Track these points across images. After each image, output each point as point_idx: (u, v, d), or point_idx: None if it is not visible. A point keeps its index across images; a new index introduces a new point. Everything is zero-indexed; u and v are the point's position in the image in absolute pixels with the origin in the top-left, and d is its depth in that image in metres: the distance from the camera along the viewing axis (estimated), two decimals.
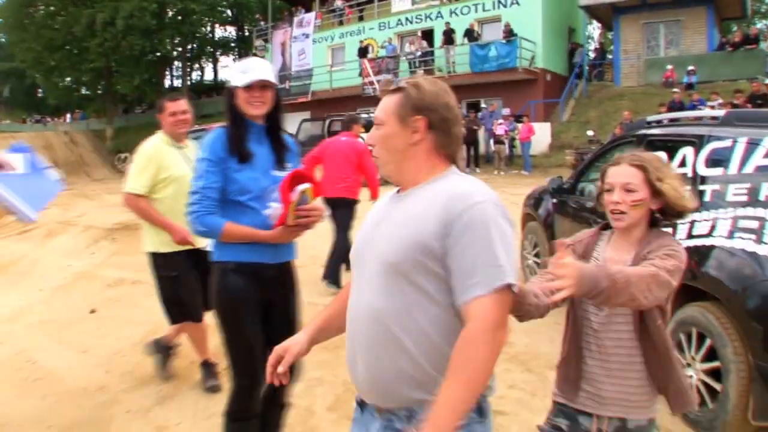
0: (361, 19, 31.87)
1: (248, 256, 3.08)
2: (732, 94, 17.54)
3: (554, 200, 6.90)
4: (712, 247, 3.96)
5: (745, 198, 3.94)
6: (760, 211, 3.81)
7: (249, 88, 3.06)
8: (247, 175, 3.05)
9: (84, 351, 5.89)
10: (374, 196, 7.28)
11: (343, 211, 7.40)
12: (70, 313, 7.15)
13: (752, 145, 4.06)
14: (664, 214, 2.27)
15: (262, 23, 38.08)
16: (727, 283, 3.79)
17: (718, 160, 4.27)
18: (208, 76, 61.92)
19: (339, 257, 7.32)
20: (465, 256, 1.69)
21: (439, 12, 28.07)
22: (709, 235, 4.03)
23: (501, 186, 17.14)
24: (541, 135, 22.36)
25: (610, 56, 28.47)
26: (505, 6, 26.15)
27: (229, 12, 48.58)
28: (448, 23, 26.79)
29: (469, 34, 26.10)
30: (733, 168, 4.12)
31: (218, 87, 54.17)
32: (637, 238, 2.27)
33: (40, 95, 68.52)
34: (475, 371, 1.65)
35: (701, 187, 4.26)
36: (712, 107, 16.51)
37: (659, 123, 5.42)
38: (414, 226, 1.78)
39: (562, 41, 27.86)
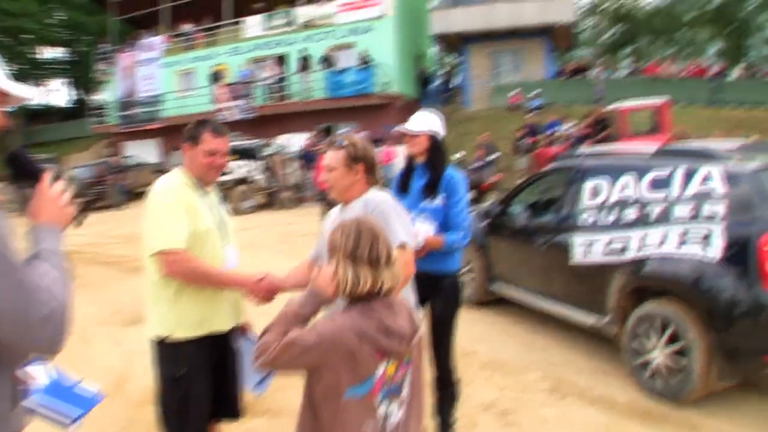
0: (211, 44, 31.71)
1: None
2: (581, 118, 19.53)
3: (486, 222, 7.59)
4: (666, 256, 4.91)
5: (690, 215, 4.82)
6: (703, 225, 4.72)
7: (405, 135, 4.12)
8: (405, 203, 3.83)
9: None
10: None
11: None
12: None
13: (689, 173, 4.98)
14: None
15: (102, 46, 36.66)
16: (689, 283, 4.81)
17: (659, 185, 5.15)
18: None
19: None
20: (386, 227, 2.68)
21: (294, 38, 28.57)
22: (661, 245, 4.92)
23: None
24: (401, 158, 23.30)
25: (457, 81, 30.26)
26: (358, 33, 27.13)
27: (60, 31, 46.17)
28: (305, 49, 27.29)
29: (325, 60, 26.79)
30: (674, 192, 5.00)
31: (50, 112, 50.94)
32: None
33: None
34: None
35: (646, 210, 5.13)
36: (567, 129, 18.30)
37: (594, 155, 6.30)
38: None
39: (413, 67, 29.31)
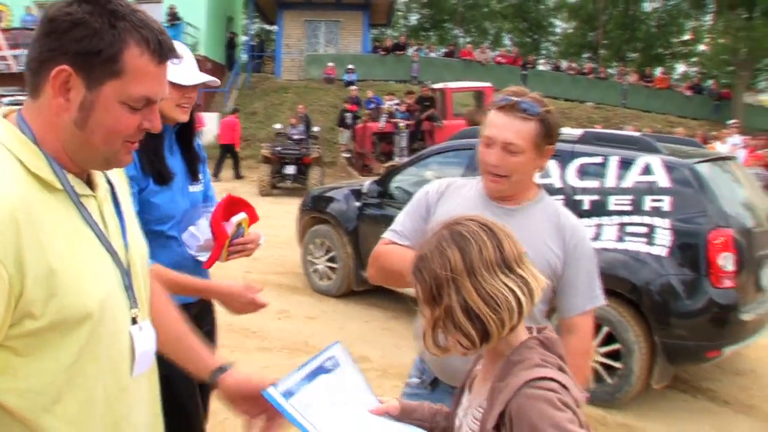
0: None
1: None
2: (403, 95, 19.51)
3: (361, 204, 6.95)
4: (603, 250, 4.52)
5: (629, 207, 4.57)
6: (646, 219, 4.48)
7: (183, 86, 2.33)
8: (166, 197, 2.40)
9: None
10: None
11: None
12: None
13: (625, 162, 4.70)
14: None
15: None
16: (633, 281, 4.52)
17: (590, 173, 4.85)
18: None
19: None
20: (579, 276, 2.07)
21: None
22: (595, 238, 4.61)
23: None
24: (210, 126, 21.97)
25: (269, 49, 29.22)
26: None
27: None
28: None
29: None
30: (608, 182, 4.73)
31: None
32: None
33: None
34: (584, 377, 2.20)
35: (574, 199, 4.80)
36: (390, 105, 18.15)
37: None
38: (539, 248, 2.02)
39: (222, 30, 27.76)
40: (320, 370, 1.58)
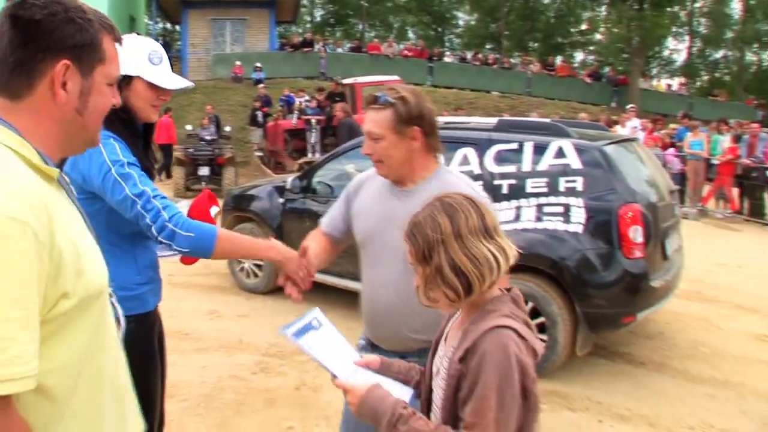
0: None
1: (153, 302, 2.48)
2: (313, 91, 19.59)
3: (285, 200, 6.99)
4: (524, 230, 4.82)
5: (545, 189, 4.87)
6: (562, 199, 4.79)
7: (160, 88, 2.36)
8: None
9: None
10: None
11: None
12: None
13: (540, 147, 5.01)
14: None
15: None
16: (553, 257, 4.83)
17: (507, 159, 5.13)
18: None
19: None
20: None
21: None
22: (516, 220, 4.90)
23: None
24: None
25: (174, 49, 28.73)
26: None
27: None
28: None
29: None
30: (525, 166, 5.02)
31: None
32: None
33: None
34: None
35: (493, 184, 5.07)
36: (301, 102, 18.20)
37: None
38: None
39: (125, 30, 26.70)
40: (309, 327, 1.83)
